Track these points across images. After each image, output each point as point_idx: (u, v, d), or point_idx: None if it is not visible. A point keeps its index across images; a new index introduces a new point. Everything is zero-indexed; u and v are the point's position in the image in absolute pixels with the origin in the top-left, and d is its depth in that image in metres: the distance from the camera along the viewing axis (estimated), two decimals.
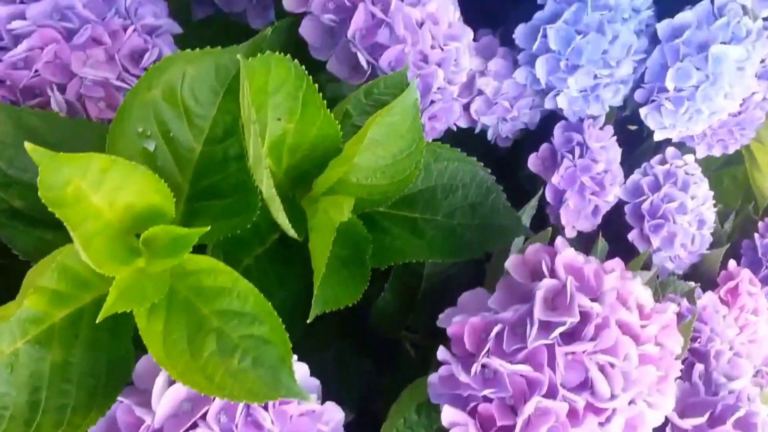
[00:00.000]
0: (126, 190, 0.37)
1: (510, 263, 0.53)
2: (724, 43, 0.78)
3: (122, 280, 0.37)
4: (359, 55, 0.61)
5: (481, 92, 0.81)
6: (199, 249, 0.44)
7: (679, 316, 0.66)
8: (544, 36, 0.75)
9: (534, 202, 0.68)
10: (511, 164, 0.90)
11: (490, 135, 0.84)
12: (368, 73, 0.62)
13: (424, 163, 0.58)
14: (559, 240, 0.53)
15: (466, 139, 0.78)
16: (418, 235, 0.58)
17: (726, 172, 1.23)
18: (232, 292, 0.40)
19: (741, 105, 0.93)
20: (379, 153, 0.55)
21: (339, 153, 0.53)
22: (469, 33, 0.71)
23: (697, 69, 0.78)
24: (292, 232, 0.48)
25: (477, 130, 0.84)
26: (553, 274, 0.50)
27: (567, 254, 0.51)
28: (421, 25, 0.63)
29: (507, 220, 0.62)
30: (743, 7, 0.78)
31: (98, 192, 0.36)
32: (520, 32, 0.77)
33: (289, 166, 0.54)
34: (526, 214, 0.66)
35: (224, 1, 0.79)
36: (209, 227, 0.40)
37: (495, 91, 0.81)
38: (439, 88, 0.65)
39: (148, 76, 0.42)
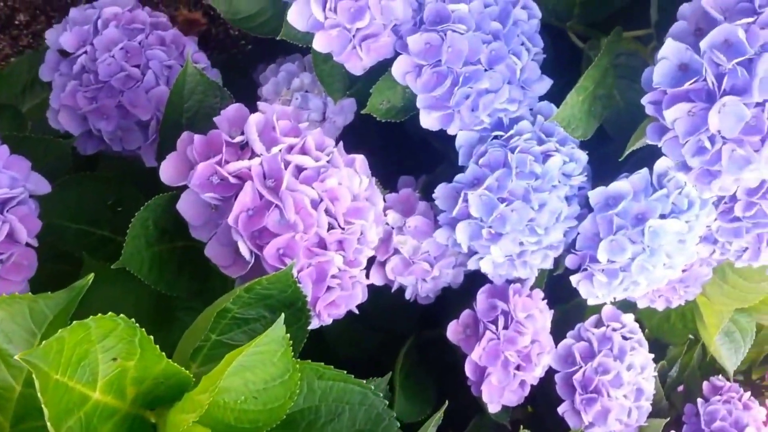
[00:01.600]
0: None
1: None
2: (664, 216, 0.73)
3: None
4: (240, 244, 0.54)
5: (397, 251, 0.74)
6: None
7: None
8: (465, 201, 0.70)
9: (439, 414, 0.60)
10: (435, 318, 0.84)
11: (408, 294, 0.78)
12: (251, 264, 0.55)
13: (307, 380, 0.51)
14: None
15: None
16: None
17: (674, 309, 1.18)
18: None
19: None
20: (248, 377, 0.48)
21: (193, 386, 0.45)
22: (379, 200, 0.65)
23: (633, 242, 0.72)
24: None
25: (393, 289, 0.77)
26: None
27: None
28: (318, 204, 0.57)
29: None
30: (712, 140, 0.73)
31: None
32: (440, 193, 0.72)
33: (138, 394, 0.46)
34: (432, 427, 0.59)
35: (115, 139, 0.72)
36: None
37: (413, 250, 0.74)
38: (335, 275, 0.58)
39: None
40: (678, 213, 0.73)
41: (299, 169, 0.57)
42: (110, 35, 0.69)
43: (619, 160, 0.71)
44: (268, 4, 0.72)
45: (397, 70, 0.65)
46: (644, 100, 0.61)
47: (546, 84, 0.71)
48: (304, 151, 0.58)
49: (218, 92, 0.65)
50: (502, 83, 0.66)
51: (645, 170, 0.72)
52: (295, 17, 0.61)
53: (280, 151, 0.57)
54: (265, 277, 0.51)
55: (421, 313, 0.86)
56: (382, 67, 0.66)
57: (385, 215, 0.75)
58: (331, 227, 0.58)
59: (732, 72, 0.56)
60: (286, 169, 0.56)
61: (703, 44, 0.56)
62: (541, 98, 0.72)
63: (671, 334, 1.11)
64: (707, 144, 0.59)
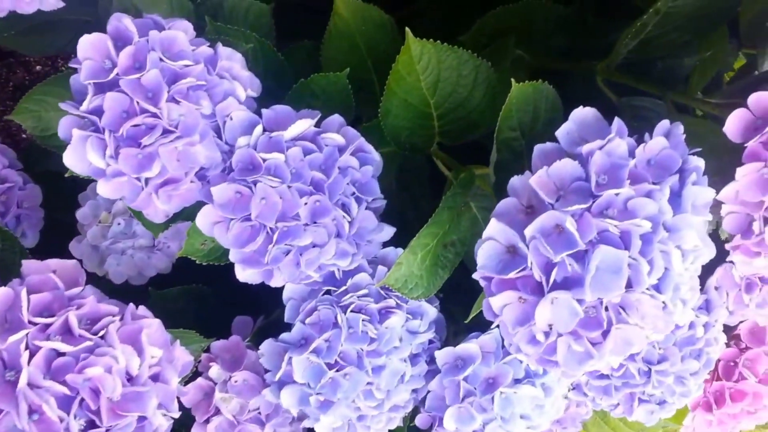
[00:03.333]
0: None
1: None
2: (517, 381, 0.66)
3: None
4: None
5: (218, 411, 0.66)
6: None
7: None
8: (290, 364, 0.62)
9: None
10: None
11: None
12: None
13: None
14: None
15: None
16: None
17: None
18: None
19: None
20: None
21: None
22: (173, 376, 0.57)
23: (483, 410, 0.65)
24: None
25: None
26: None
27: None
28: (72, 400, 0.48)
29: None
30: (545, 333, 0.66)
31: None
32: (265, 350, 0.64)
33: None
34: None
35: None
36: None
37: (240, 409, 0.66)
38: None
39: None
40: (533, 377, 0.66)
41: (50, 358, 0.49)
42: None
43: (465, 322, 0.64)
44: None
45: (203, 220, 0.57)
46: (476, 276, 0.53)
47: (387, 232, 0.64)
48: (65, 331, 0.50)
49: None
50: (328, 237, 0.59)
51: (496, 330, 0.65)
52: (71, 161, 0.53)
53: (27, 335, 0.48)
54: None
55: None
56: None
57: (210, 367, 0.66)
58: (91, 426, 0.49)
59: (562, 265, 0.49)
60: (30, 359, 0.47)
61: (529, 231, 0.49)
62: (386, 244, 0.65)
63: None
64: (540, 337, 0.52)
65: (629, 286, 0.50)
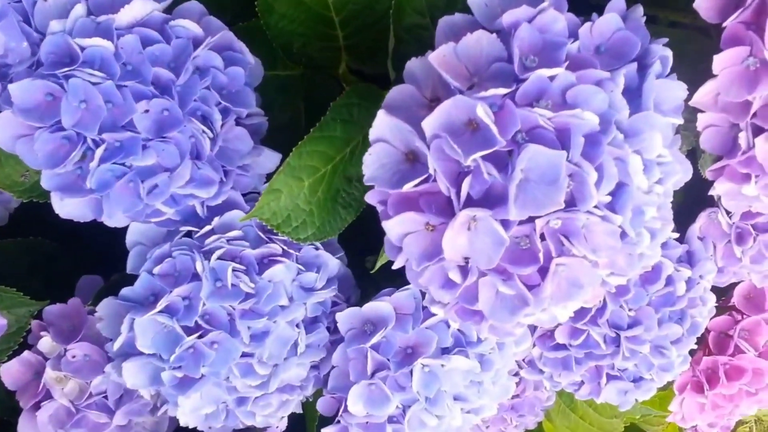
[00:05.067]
0: None
1: None
2: (445, 351, 0.54)
3: None
4: None
5: (51, 395, 0.54)
6: None
7: None
8: (132, 330, 0.50)
9: None
10: None
11: None
12: None
13: None
14: None
15: None
16: None
17: None
18: None
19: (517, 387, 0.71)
20: None
21: None
22: None
23: (400, 388, 0.54)
24: None
25: None
26: None
27: None
28: None
29: None
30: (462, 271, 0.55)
31: None
32: (103, 311, 0.52)
33: None
34: None
35: None
36: None
37: (78, 392, 0.54)
38: None
39: None
40: (466, 345, 0.55)
41: None
42: None
43: (371, 272, 0.52)
44: None
45: (3, 133, 0.45)
46: (368, 198, 0.42)
47: (270, 157, 0.52)
48: None
49: None
50: (180, 158, 0.47)
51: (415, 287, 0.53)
52: None
53: None
54: None
55: None
56: None
57: (40, 338, 0.54)
58: None
59: (477, 172, 0.38)
60: None
61: (428, 125, 0.38)
62: None
63: None
64: (455, 276, 0.41)
65: (572, 204, 0.39)
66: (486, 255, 0.39)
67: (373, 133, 0.40)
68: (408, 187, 0.39)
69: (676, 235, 0.60)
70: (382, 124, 0.39)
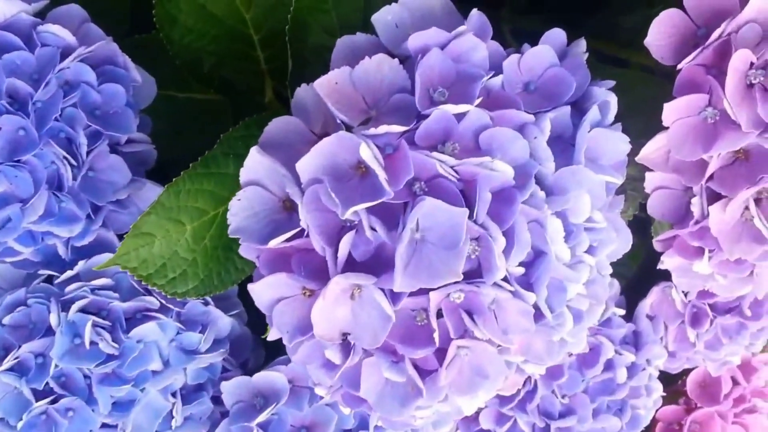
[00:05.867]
0: None
1: None
2: None
3: None
4: None
5: None
6: None
7: None
8: None
9: None
10: None
11: None
12: None
13: None
14: None
15: None
16: None
17: None
18: None
19: None
20: None
21: None
22: None
23: None
24: None
25: None
26: None
27: None
28: None
29: None
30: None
31: None
32: None
33: None
34: None
35: None
36: None
37: None
38: None
39: None
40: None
41: None
42: None
43: (263, 337, 0.45)
44: None
45: None
46: (243, 252, 0.35)
47: (153, 192, 0.45)
48: None
49: None
50: (34, 188, 0.39)
51: None
52: None
53: None
54: None
55: None
56: None
57: None
58: None
59: (359, 229, 0.31)
60: None
61: (303, 167, 0.31)
62: None
63: None
64: (334, 355, 0.33)
65: (476, 274, 0.32)
66: (371, 331, 0.32)
67: (245, 174, 0.33)
68: (275, 242, 0.31)
69: (622, 311, 0.53)
70: (255, 163, 0.33)
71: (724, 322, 0.55)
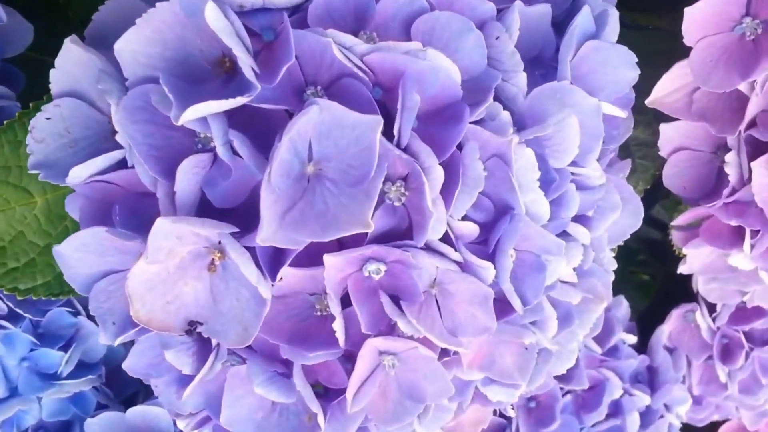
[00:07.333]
0: None
1: None
2: None
3: None
4: None
5: None
6: None
7: None
8: None
9: None
10: None
11: None
12: None
13: None
14: None
15: None
16: None
17: None
18: None
19: None
20: None
21: None
22: None
23: None
24: None
25: None
26: None
27: None
28: None
29: None
30: None
31: None
32: None
33: None
34: None
35: None
36: None
37: None
38: None
39: None
40: None
41: None
42: None
43: None
44: None
45: None
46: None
47: None
48: None
49: None
50: None
51: None
52: None
53: None
54: None
55: None
56: None
57: None
58: None
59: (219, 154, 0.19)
60: None
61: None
62: None
63: None
64: (181, 361, 0.21)
65: (405, 235, 0.20)
66: (238, 320, 0.20)
67: (56, 80, 0.22)
68: (82, 171, 0.20)
69: (633, 339, 0.41)
70: (72, 62, 0.21)
71: (764, 356, 0.42)
